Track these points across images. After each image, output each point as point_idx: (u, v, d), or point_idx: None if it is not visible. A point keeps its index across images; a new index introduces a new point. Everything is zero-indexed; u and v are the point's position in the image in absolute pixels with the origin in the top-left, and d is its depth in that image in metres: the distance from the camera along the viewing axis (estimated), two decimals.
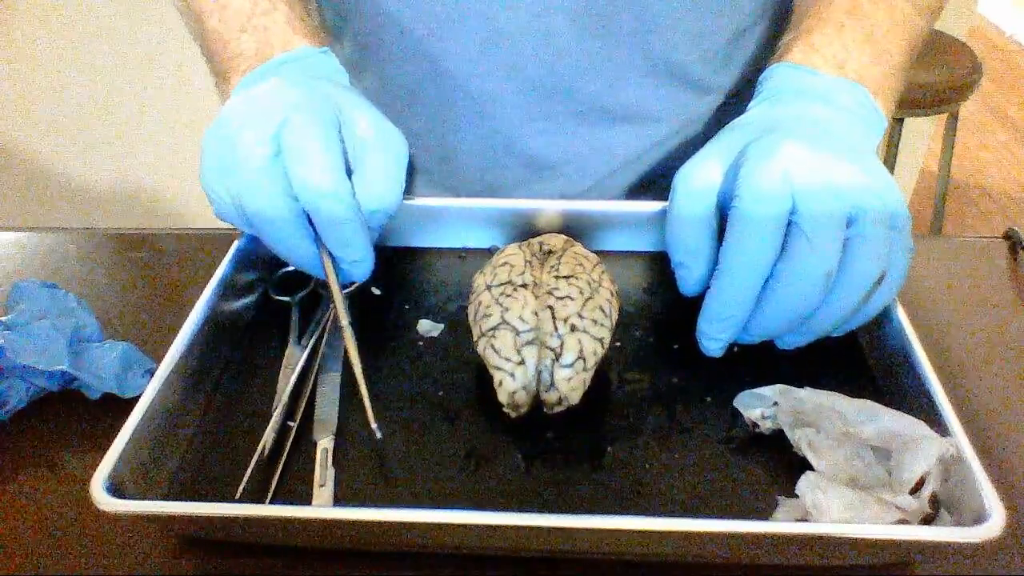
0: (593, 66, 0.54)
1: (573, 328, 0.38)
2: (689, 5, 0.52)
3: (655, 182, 0.61)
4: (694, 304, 0.41)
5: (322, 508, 0.36)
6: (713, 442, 0.39)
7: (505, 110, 0.56)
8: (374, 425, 0.39)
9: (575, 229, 0.51)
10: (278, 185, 0.40)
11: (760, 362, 0.43)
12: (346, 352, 0.41)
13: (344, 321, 0.41)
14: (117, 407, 0.43)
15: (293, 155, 0.40)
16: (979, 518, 0.32)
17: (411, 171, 0.46)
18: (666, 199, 0.44)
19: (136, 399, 0.38)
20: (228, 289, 0.46)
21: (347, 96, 0.45)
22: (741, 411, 0.40)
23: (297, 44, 0.48)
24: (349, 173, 0.43)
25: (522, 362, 0.38)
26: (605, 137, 0.58)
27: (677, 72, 0.56)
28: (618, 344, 0.45)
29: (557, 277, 0.40)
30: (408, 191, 0.45)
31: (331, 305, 0.47)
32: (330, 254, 0.42)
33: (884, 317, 0.42)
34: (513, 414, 0.39)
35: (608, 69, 0.54)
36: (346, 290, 0.48)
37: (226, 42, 0.48)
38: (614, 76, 0.55)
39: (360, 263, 0.42)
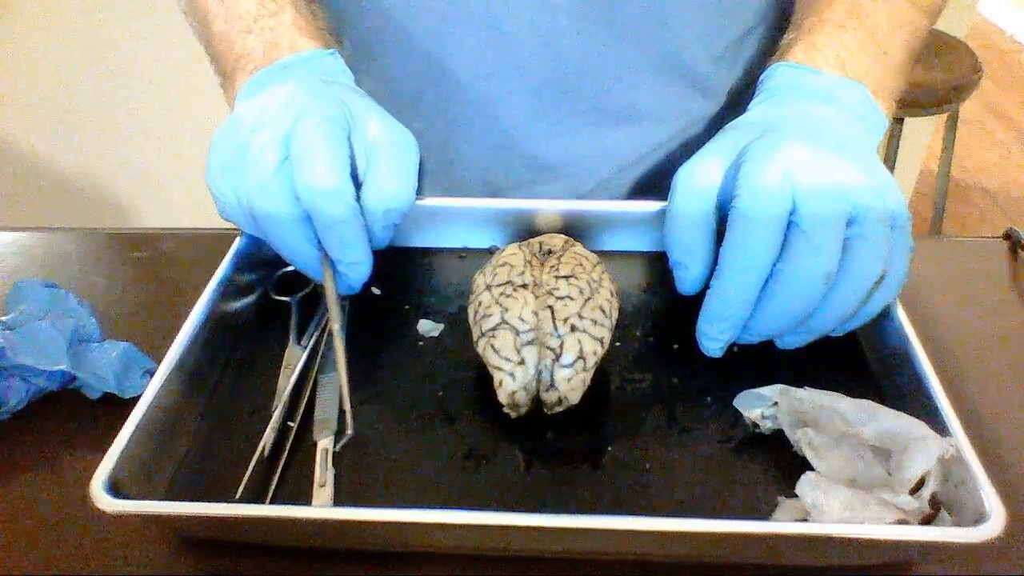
0: (597, 65, 0.54)
1: (573, 328, 0.38)
2: (699, 3, 0.52)
3: (657, 184, 0.61)
4: (694, 304, 0.41)
5: (322, 508, 0.36)
6: (713, 442, 0.39)
7: (508, 111, 0.56)
8: (349, 428, 0.38)
9: (575, 229, 0.51)
10: (286, 188, 0.41)
11: (760, 362, 0.43)
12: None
13: (335, 325, 0.41)
14: (117, 407, 0.43)
15: (298, 157, 0.40)
16: (979, 518, 0.32)
17: (421, 172, 0.46)
18: (667, 201, 0.44)
19: (136, 399, 0.38)
20: (228, 289, 0.46)
21: (358, 100, 0.45)
22: (741, 411, 0.40)
23: (304, 46, 0.48)
24: (359, 179, 0.43)
25: (522, 362, 0.38)
26: (609, 138, 0.58)
27: (683, 71, 0.56)
28: (618, 344, 0.45)
29: (557, 277, 0.40)
30: (418, 192, 0.46)
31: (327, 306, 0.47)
32: (329, 258, 0.43)
33: (884, 317, 0.42)
34: (513, 414, 0.39)
35: (613, 68, 0.54)
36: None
37: (232, 43, 0.49)
38: (619, 75, 0.55)
39: (357, 265, 0.42)
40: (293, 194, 0.41)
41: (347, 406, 0.39)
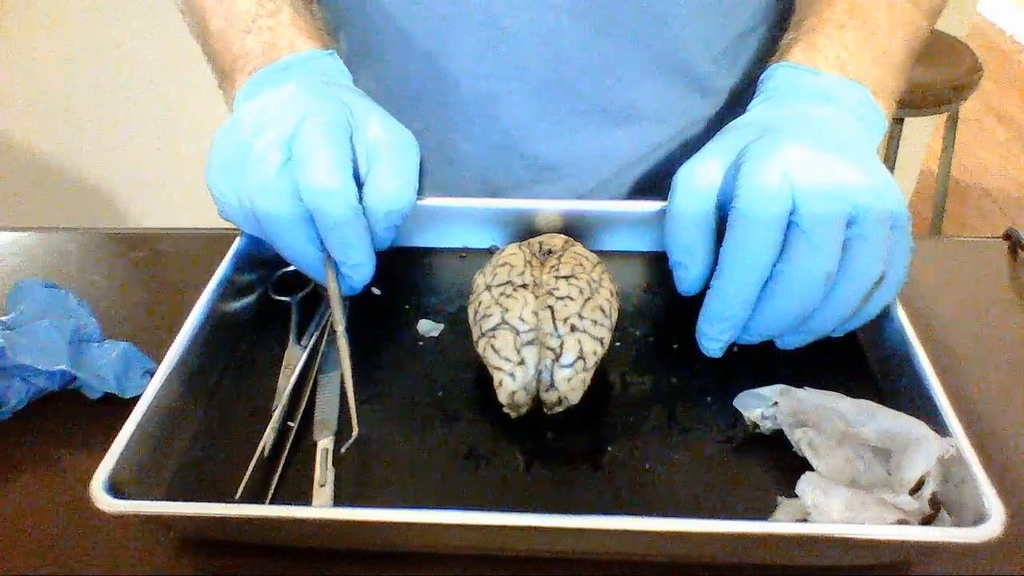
0: (598, 65, 0.54)
1: (573, 328, 0.38)
2: (699, 3, 0.52)
3: (657, 185, 0.61)
4: (694, 304, 0.41)
5: (322, 508, 0.36)
6: (713, 442, 0.39)
7: (508, 111, 0.56)
8: (355, 428, 0.38)
9: (575, 229, 0.51)
10: (288, 189, 0.41)
11: (760, 362, 0.43)
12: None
13: (339, 327, 0.41)
14: (117, 407, 0.43)
15: (300, 159, 0.41)
16: (979, 518, 0.32)
17: (422, 172, 0.46)
18: (667, 201, 0.44)
19: (136, 399, 0.38)
20: (228, 289, 0.46)
21: (358, 100, 0.46)
22: (741, 411, 0.40)
23: (303, 46, 0.48)
24: (361, 180, 0.44)
25: (522, 362, 0.38)
26: (608, 138, 0.58)
27: (683, 71, 0.56)
28: (618, 344, 0.45)
29: (557, 277, 0.40)
30: (419, 192, 0.46)
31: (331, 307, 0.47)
32: (331, 259, 0.43)
33: (884, 317, 0.42)
34: (513, 414, 0.39)
35: (613, 68, 0.54)
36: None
37: (230, 43, 0.49)
38: (619, 75, 0.55)
39: (361, 266, 0.42)
40: (296, 195, 0.41)
41: (352, 406, 0.39)
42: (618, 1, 0.51)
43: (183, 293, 0.49)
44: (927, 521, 0.33)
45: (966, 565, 0.36)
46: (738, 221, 0.38)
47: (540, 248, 0.44)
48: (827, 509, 0.33)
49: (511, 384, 0.38)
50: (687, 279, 0.43)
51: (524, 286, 0.40)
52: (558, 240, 0.45)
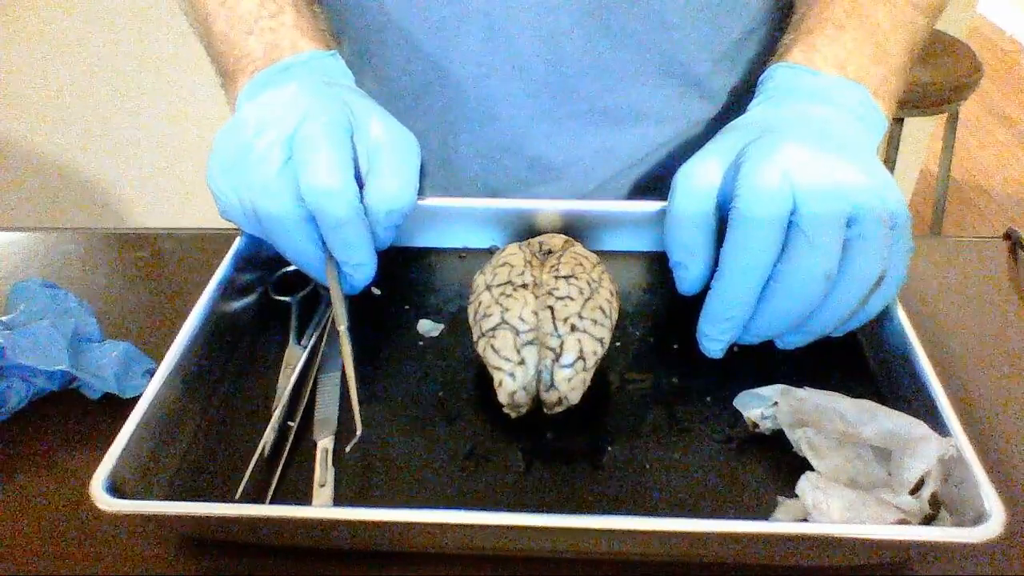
0: (598, 66, 0.54)
1: (573, 328, 0.38)
2: (699, 5, 0.52)
3: (657, 185, 0.61)
4: (694, 304, 0.41)
5: (322, 508, 0.36)
6: (713, 442, 0.39)
7: (509, 111, 0.56)
8: (359, 428, 0.38)
9: (575, 229, 0.51)
10: (289, 189, 0.41)
11: (760, 362, 0.43)
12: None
13: (342, 326, 0.41)
14: (117, 407, 0.43)
15: (302, 159, 0.41)
16: (979, 518, 0.32)
17: (422, 173, 0.46)
18: (667, 201, 0.44)
19: (136, 399, 0.38)
20: (228, 289, 0.46)
21: (359, 101, 0.46)
22: (741, 411, 0.40)
23: (305, 47, 0.48)
24: (362, 180, 0.44)
25: (522, 362, 0.38)
26: (609, 139, 0.58)
27: (684, 73, 0.56)
28: (618, 344, 0.45)
29: (557, 277, 0.40)
30: (419, 192, 0.46)
31: (331, 307, 0.47)
32: (333, 258, 0.43)
33: (884, 317, 0.42)
34: (513, 414, 0.39)
35: (614, 69, 0.54)
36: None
37: (233, 44, 0.49)
38: (619, 77, 0.55)
39: (362, 266, 0.43)
40: (297, 195, 0.41)
41: (355, 406, 0.39)
42: (618, 2, 0.51)
43: (183, 293, 0.49)
44: (927, 521, 0.34)
45: (966, 565, 0.36)
46: (738, 222, 0.38)
47: (540, 248, 0.44)
48: (827, 509, 0.33)
49: (511, 384, 0.38)
50: (687, 279, 0.43)
51: (524, 286, 0.40)
52: (558, 240, 0.45)
